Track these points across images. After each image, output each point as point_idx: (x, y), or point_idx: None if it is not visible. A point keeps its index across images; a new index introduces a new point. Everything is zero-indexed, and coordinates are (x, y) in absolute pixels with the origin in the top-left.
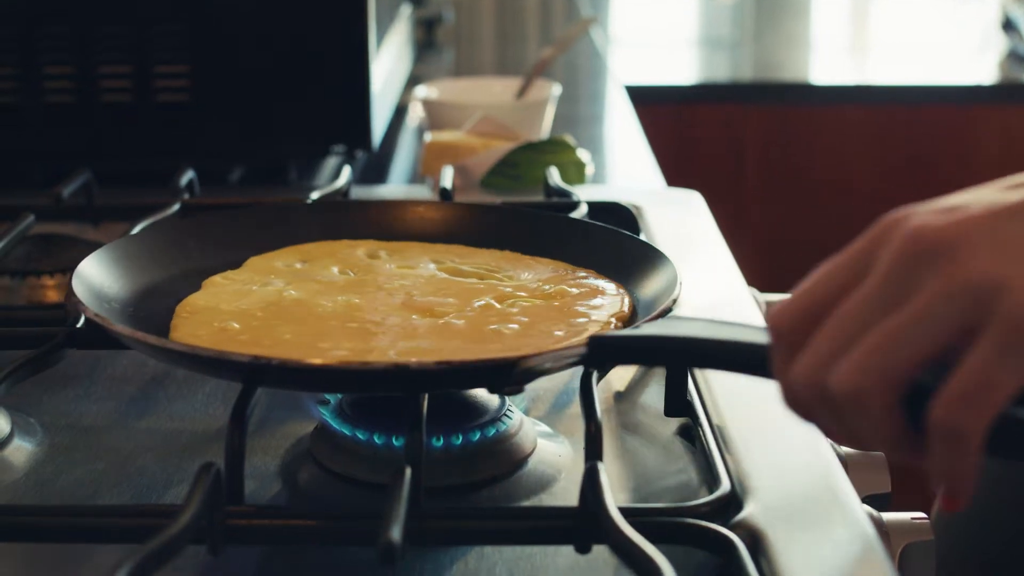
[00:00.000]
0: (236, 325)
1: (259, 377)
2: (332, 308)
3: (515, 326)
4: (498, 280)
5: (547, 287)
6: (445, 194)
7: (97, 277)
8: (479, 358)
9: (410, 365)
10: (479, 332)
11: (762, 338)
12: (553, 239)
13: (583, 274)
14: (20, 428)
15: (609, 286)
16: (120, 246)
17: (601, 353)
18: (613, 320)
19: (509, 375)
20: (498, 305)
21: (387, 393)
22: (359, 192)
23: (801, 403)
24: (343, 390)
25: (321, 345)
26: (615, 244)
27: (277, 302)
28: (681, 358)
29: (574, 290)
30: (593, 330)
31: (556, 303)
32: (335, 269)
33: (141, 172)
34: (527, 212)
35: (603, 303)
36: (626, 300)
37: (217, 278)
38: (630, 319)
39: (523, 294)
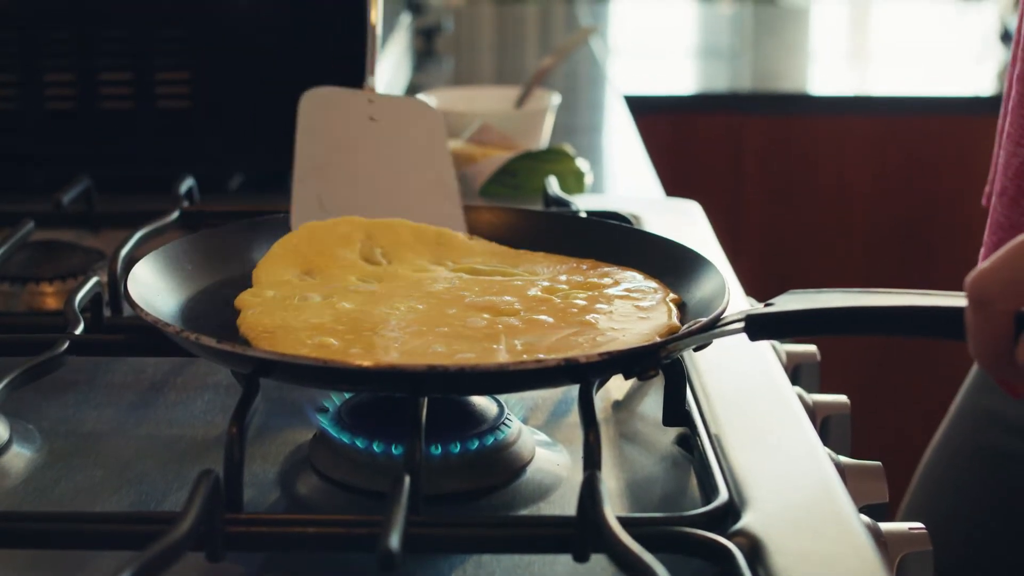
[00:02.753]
0: (334, 341)
1: (428, 387)
2: (403, 316)
3: (599, 316)
4: (524, 277)
5: (578, 278)
6: None
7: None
8: (640, 344)
9: (579, 359)
10: (572, 324)
11: (947, 302)
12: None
13: (586, 265)
14: (19, 435)
15: (628, 273)
16: (165, 253)
17: (763, 330)
18: (670, 301)
19: (656, 358)
20: (556, 300)
21: (550, 387)
22: None
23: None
24: (517, 389)
25: (440, 350)
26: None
27: (343, 314)
28: (858, 326)
29: (605, 280)
30: (661, 311)
31: (596, 292)
32: (353, 277)
33: (141, 179)
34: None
35: (639, 287)
36: (653, 282)
37: (247, 296)
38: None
39: (565, 287)
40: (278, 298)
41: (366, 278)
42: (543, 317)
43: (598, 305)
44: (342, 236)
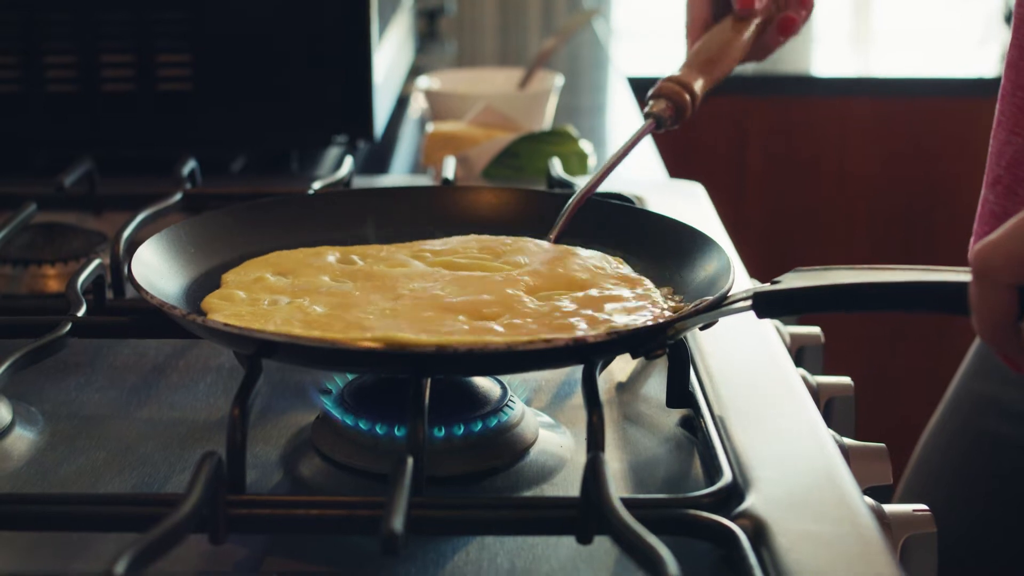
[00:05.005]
0: None
1: (433, 367)
2: (376, 321)
3: (580, 319)
4: (503, 271)
5: (559, 269)
6: (447, 184)
7: (153, 272)
8: (643, 325)
9: (587, 338)
10: (553, 328)
11: (952, 277)
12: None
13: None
14: (22, 417)
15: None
16: (169, 236)
17: (771, 307)
18: (664, 301)
19: (663, 337)
20: (539, 303)
21: (554, 368)
22: (361, 182)
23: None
24: (522, 369)
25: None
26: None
27: (314, 320)
28: (865, 302)
29: (581, 274)
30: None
31: (582, 294)
32: (326, 278)
33: (143, 160)
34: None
35: (627, 291)
36: (625, 267)
37: (214, 299)
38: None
39: (527, 278)
40: (247, 301)
41: (339, 278)
42: (523, 321)
43: (583, 310)
44: (315, 252)
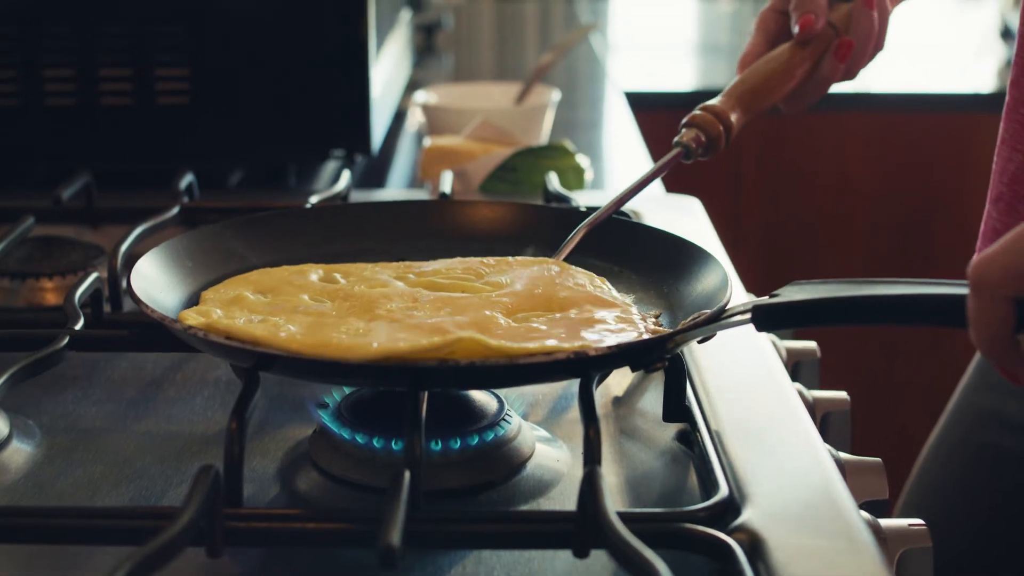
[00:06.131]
0: None
1: (433, 380)
2: (351, 339)
3: (553, 339)
4: (483, 293)
5: (538, 290)
6: (444, 199)
7: (152, 285)
8: (644, 338)
9: (588, 351)
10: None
11: (950, 290)
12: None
13: (558, 279)
14: (19, 430)
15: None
16: (170, 248)
17: (770, 321)
18: (652, 323)
19: (662, 350)
20: (514, 323)
21: (552, 381)
22: (358, 196)
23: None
24: (522, 383)
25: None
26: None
27: (287, 338)
28: (862, 316)
29: (563, 292)
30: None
31: (559, 316)
32: (306, 296)
33: (141, 174)
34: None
35: (609, 313)
36: (607, 286)
37: (191, 315)
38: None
39: (506, 299)
40: (223, 320)
41: (319, 297)
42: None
43: (556, 330)
44: (298, 270)
